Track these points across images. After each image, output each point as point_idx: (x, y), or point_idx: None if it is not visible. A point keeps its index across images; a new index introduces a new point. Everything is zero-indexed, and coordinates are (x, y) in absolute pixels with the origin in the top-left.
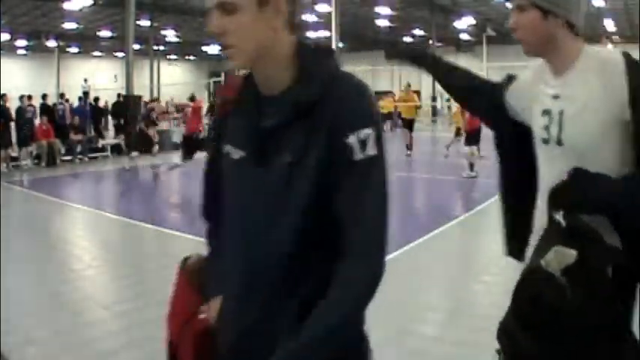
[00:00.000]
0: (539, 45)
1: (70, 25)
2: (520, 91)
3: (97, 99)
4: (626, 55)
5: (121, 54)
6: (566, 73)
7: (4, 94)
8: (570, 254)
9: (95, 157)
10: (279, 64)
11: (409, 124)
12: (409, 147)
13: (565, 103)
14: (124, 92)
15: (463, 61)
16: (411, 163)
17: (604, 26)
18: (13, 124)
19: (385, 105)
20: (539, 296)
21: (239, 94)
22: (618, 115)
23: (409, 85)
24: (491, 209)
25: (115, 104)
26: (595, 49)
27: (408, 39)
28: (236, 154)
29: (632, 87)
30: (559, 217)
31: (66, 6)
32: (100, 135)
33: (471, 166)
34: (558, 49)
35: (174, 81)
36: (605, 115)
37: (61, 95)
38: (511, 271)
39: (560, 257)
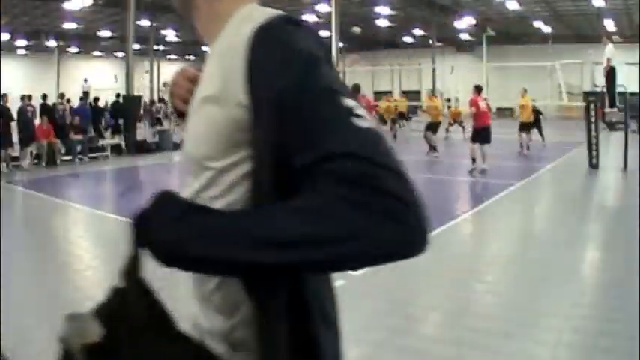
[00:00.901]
0: (179, 7)
1: (70, 25)
2: None
3: (97, 99)
4: (264, 23)
5: (121, 54)
6: (210, 50)
7: (5, 94)
8: (93, 331)
9: (95, 157)
10: None
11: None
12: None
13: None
14: (123, 92)
15: (463, 61)
16: (411, 163)
17: (604, 26)
18: (14, 124)
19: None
20: None
21: None
22: (233, 114)
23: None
24: (492, 209)
25: (113, 104)
26: (252, 9)
27: (408, 39)
28: None
29: (249, 70)
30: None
31: (66, 6)
32: (100, 135)
33: (473, 161)
34: (198, 10)
35: None
36: (217, 113)
37: (61, 95)
38: (511, 271)
39: (81, 330)
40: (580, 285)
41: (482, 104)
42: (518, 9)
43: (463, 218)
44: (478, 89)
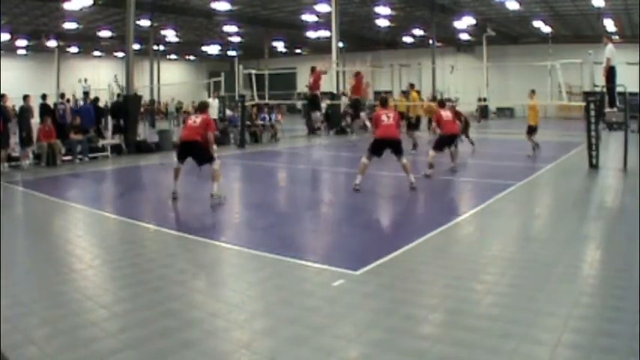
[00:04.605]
0: None
1: (70, 25)
2: None
3: (97, 99)
4: None
5: (121, 54)
6: None
7: (4, 95)
8: None
9: (95, 157)
10: None
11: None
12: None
13: None
14: (123, 92)
15: (463, 61)
16: (412, 163)
17: (604, 26)
18: (12, 124)
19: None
20: None
21: None
22: None
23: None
24: (491, 209)
25: (114, 104)
26: None
27: (408, 39)
28: None
29: None
30: None
31: (66, 6)
32: (100, 135)
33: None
34: None
35: (174, 81)
36: None
37: (62, 95)
38: (511, 271)
39: None
40: (580, 285)
41: (445, 114)
42: (518, 9)
43: (461, 218)
44: (440, 104)
